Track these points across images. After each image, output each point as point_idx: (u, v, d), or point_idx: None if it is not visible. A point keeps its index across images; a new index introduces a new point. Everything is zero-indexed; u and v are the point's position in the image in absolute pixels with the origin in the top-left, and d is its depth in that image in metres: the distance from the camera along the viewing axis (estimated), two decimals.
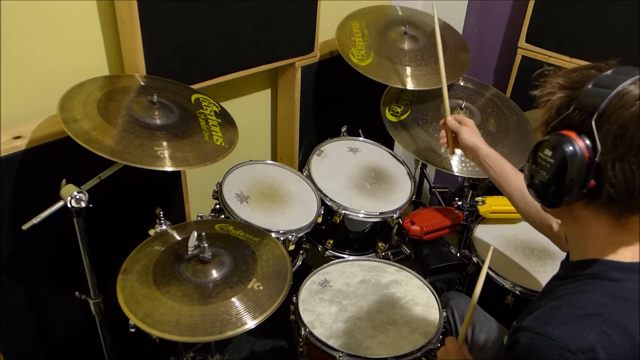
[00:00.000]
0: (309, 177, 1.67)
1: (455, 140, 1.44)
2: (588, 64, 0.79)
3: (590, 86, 0.73)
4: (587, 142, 0.72)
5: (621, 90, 0.70)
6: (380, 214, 1.60)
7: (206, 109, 1.37)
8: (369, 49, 1.74)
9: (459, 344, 1.17)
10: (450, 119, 1.43)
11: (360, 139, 1.86)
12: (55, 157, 1.25)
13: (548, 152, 0.75)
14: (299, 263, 1.61)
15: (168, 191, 1.57)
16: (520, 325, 0.76)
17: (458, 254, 1.69)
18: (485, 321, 1.37)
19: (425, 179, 2.07)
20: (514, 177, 1.28)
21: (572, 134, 0.73)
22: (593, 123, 0.71)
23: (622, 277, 0.76)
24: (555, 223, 1.23)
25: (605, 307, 0.73)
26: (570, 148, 0.72)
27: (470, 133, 1.39)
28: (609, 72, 0.74)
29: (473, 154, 1.37)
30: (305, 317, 1.36)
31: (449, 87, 1.87)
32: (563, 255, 1.20)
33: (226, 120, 1.38)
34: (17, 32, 1.19)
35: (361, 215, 1.59)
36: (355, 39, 1.76)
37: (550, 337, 0.71)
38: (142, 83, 1.34)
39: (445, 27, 1.94)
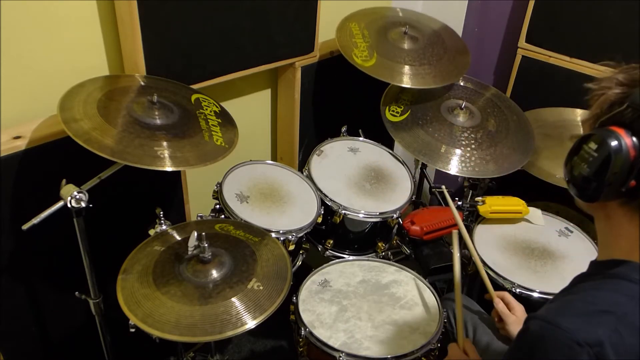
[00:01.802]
0: (309, 177, 1.67)
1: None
2: None
3: None
4: (635, 140, 0.71)
5: None
6: (380, 214, 1.60)
7: (206, 109, 1.37)
8: (372, 49, 1.74)
9: (461, 347, 1.17)
10: (500, 306, 1.30)
11: (360, 139, 1.86)
12: (55, 157, 1.25)
13: (593, 146, 0.75)
14: (299, 263, 1.61)
15: (168, 191, 1.57)
16: (533, 315, 0.76)
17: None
18: (486, 321, 1.37)
19: (425, 179, 2.07)
20: None
21: (620, 131, 0.72)
22: None
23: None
24: None
25: (621, 307, 0.72)
26: (616, 144, 0.71)
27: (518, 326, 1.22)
28: None
29: None
30: (305, 317, 1.36)
31: (449, 87, 1.87)
32: (562, 255, 1.20)
33: (226, 120, 1.38)
34: (17, 32, 1.19)
35: (361, 215, 1.59)
36: (357, 40, 1.76)
37: (560, 327, 0.71)
38: (142, 83, 1.34)
39: (446, 30, 1.94)
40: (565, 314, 0.74)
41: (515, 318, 1.27)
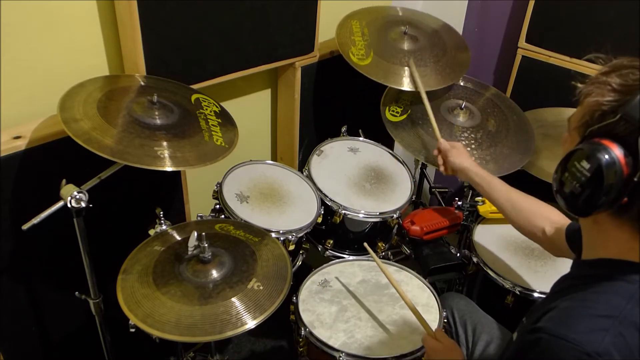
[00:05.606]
0: (309, 177, 1.67)
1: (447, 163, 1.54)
2: None
3: None
4: (629, 158, 0.67)
5: None
6: (380, 214, 1.60)
7: (206, 109, 1.37)
8: (369, 48, 1.74)
9: (433, 336, 1.16)
10: (442, 141, 1.56)
11: (360, 139, 1.86)
12: (55, 157, 1.25)
13: (585, 165, 0.70)
14: (299, 263, 1.61)
15: (168, 191, 1.57)
16: (536, 327, 0.74)
17: (458, 254, 1.69)
18: (485, 322, 1.37)
19: (425, 179, 2.07)
20: (504, 192, 1.34)
21: (613, 146, 0.68)
22: None
23: (638, 279, 0.73)
24: (548, 226, 1.22)
25: (621, 309, 0.71)
26: (609, 162, 0.67)
27: (457, 155, 1.49)
28: None
29: (463, 174, 1.47)
30: (305, 317, 1.36)
31: (449, 88, 1.87)
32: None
33: (226, 120, 1.38)
34: (17, 32, 1.19)
35: (361, 215, 1.59)
36: (355, 38, 1.76)
37: (567, 340, 0.69)
38: (142, 83, 1.34)
39: (445, 27, 1.94)
40: (569, 324, 0.72)
41: (455, 151, 1.50)
